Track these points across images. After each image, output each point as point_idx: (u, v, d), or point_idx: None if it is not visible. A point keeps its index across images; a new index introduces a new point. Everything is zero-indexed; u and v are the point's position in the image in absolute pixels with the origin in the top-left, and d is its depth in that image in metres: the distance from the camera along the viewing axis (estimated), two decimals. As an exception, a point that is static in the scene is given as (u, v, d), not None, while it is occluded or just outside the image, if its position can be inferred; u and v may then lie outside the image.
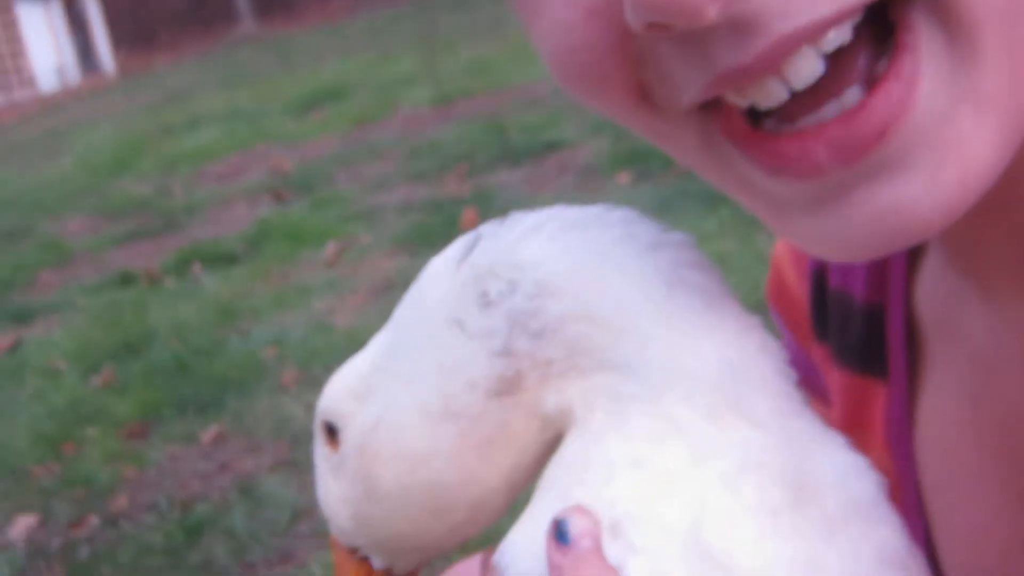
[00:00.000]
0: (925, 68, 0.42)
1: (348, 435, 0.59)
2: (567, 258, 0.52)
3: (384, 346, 0.59)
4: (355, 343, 2.73)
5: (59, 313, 5.27)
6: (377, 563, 0.64)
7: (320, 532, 2.52)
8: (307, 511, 2.65)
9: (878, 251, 0.46)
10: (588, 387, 0.51)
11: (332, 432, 0.60)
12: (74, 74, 32.54)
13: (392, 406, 0.56)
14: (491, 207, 4.93)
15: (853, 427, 0.71)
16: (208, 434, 3.23)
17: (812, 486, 0.48)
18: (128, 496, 2.97)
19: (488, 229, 0.55)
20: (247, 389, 3.50)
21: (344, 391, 0.59)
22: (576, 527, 0.47)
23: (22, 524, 2.95)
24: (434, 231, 4.89)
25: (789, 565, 0.46)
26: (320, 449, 0.62)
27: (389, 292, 4.17)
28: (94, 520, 2.89)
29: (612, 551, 0.47)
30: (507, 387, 0.52)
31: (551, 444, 0.55)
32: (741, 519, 0.47)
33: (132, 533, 2.76)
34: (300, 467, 2.88)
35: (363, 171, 7.05)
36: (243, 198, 7.16)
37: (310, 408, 2.98)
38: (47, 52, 31.86)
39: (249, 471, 2.94)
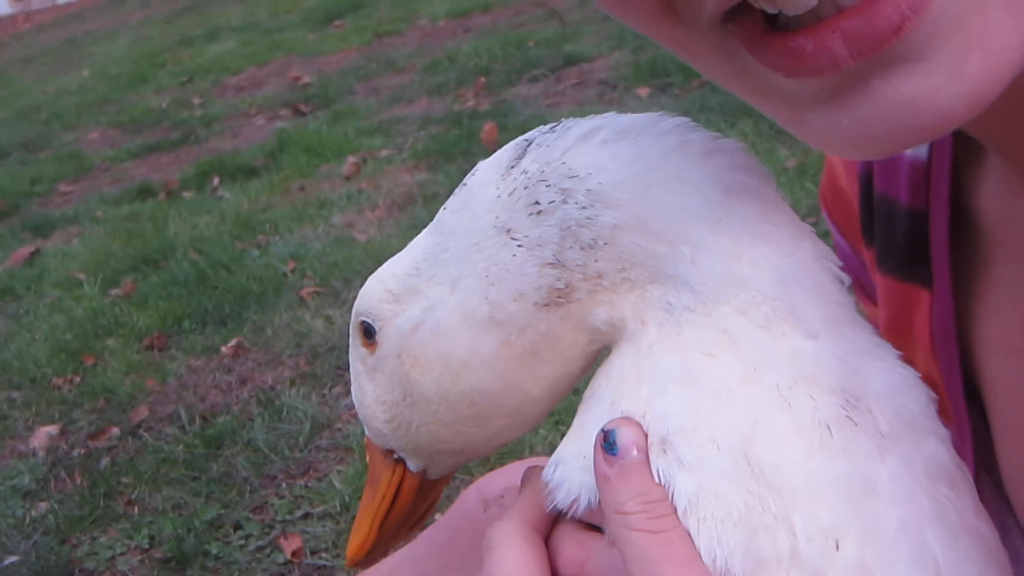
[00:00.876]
0: None
1: (386, 336, 0.58)
2: (621, 167, 0.50)
3: (426, 249, 0.57)
4: (375, 257, 2.73)
5: (78, 225, 5.25)
6: (412, 465, 0.63)
7: (340, 445, 2.53)
8: (327, 424, 2.65)
9: (896, 146, 0.44)
10: (640, 299, 0.50)
11: (369, 332, 0.59)
12: (91, -16, 32.19)
13: (434, 310, 0.55)
14: (510, 121, 4.87)
15: (898, 331, 0.70)
16: (228, 347, 3.23)
17: (864, 400, 0.47)
18: (148, 407, 2.98)
19: (538, 135, 0.53)
20: (267, 302, 3.49)
21: (382, 292, 0.58)
22: (624, 438, 0.47)
23: (43, 434, 2.96)
24: (454, 145, 4.84)
25: (839, 483, 0.45)
26: (356, 350, 0.61)
27: (409, 206, 4.14)
28: (114, 431, 2.90)
29: (661, 465, 0.46)
30: (556, 298, 0.51)
31: (595, 356, 0.54)
32: (792, 435, 0.45)
33: (152, 444, 2.77)
34: (320, 380, 2.88)
35: (381, 84, 6.97)
36: (262, 111, 7.09)
37: (329, 321, 2.98)
38: (63, -39, 31.53)
39: (269, 384, 2.93)
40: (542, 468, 0.56)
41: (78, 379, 3.29)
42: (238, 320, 3.42)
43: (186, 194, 5.30)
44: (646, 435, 0.47)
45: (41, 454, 2.87)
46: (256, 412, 2.79)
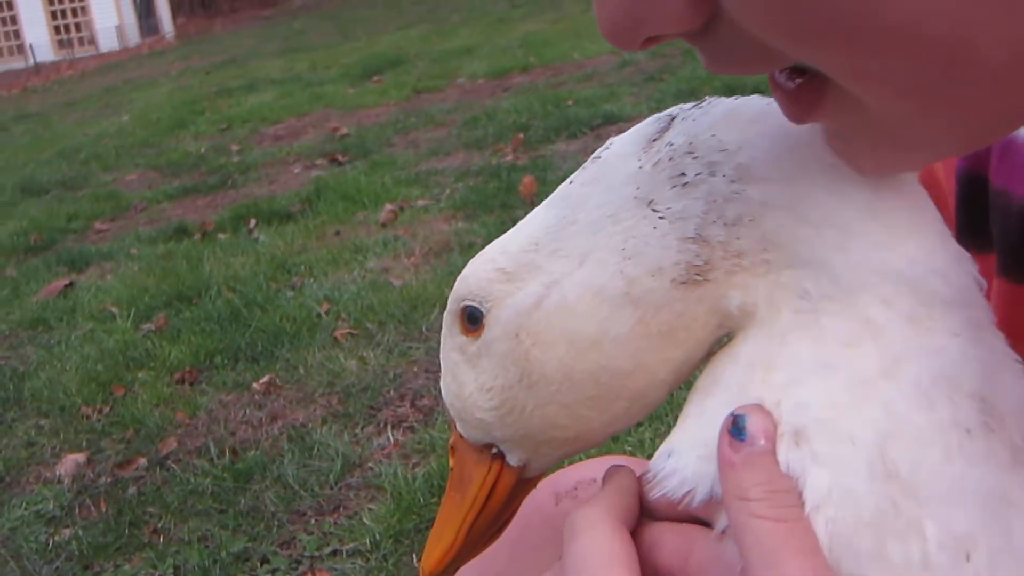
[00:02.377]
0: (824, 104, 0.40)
1: (496, 317, 0.55)
2: (772, 144, 0.48)
3: (547, 223, 0.54)
4: (410, 301, 2.70)
5: (113, 261, 5.27)
6: (513, 459, 0.59)
7: (372, 484, 2.49)
8: (358, 463, 2.61)
9: None
10: (775, 284, 0.47)
11: (473, 318, 0.56)
12: (134, 36, 32.80)
13: (559, 285, 0.52)
14: (549, 175, 4.87)
15: (1010, 338, 0.66)
16: (260, 383, 3.20)
17: (999, 408, 0.44)
18: (177, 439, 2.95)
19: (681, 111, 0.52)
20: (300, 342, 3.47)
21: (493, 271, 0.55)
22: (754, 425, 0.45)
23: (70, 462, 2.93)
24: (492, 197, 4.83)
25: (975, 491, 0.43)
26: (454, 339, 0.58)
27: (446, 253, 4.12)
28: (142, 461, 2.87)
29: (793, 458, 0.44)
30: (694, 276, 0.49)
31: (716, 343, 0.52)
32: (931, 436, 0.43)
33: (180, 476, 2.73)
34: (352, 420, 2.85)
35: (420, 138, 7.01)
36: (299, 159, 7.14)
37: (363, 362, 2.95)
38: (109, 13, 32.15)
39: (300, 421, 2.90)
40: (623, 466, 0.54)
41: (107, 409, 3.27)
42: (271, 358, 3.40)
43: (221, 235, 5.31)
44: (776, 425, 0.45)
45: (67, 481, 2.84)
46: (286, 448, 2.75)
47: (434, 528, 0.63)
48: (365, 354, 3.26)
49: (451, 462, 0.62)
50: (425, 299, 3.60)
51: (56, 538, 2.55)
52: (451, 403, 0.59)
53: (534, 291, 0.53)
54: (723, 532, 0.46)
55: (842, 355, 0.45)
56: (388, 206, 4.99)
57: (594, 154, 0.54)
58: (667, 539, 0.49)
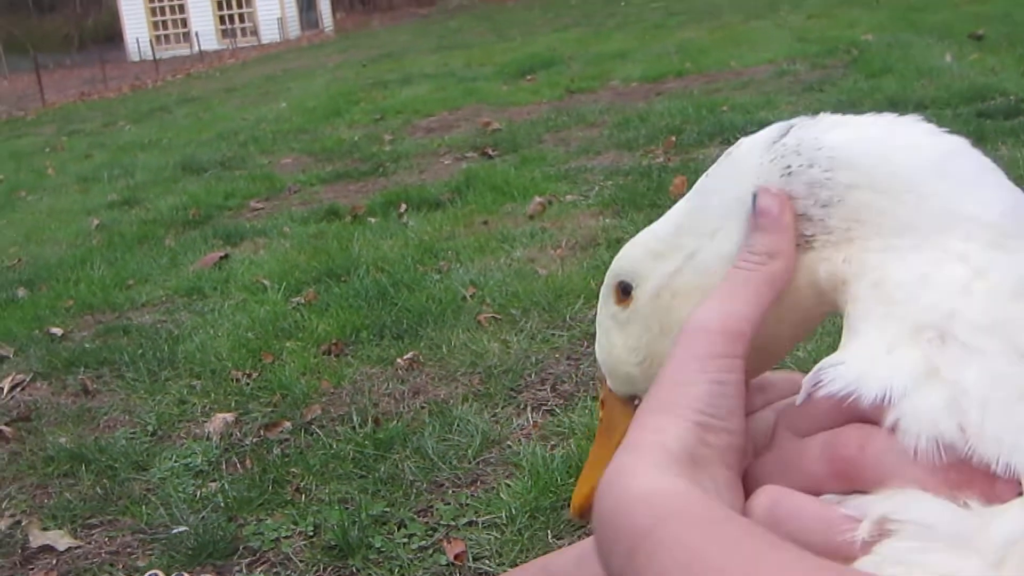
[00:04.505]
0: None
1: (645, 289, 0.64)
2: (861, 142, 0.57)
3: (687, 210, 0.63)
4: (556, 291, 2.69)
5: (266, 237, 5.42)
6: None
7: (510, 461, 2.50)
8: (497, 441, 2.62)
9: None
10: (865, 248, 0.54)
11: (626, 290, 0.66)
12: (294, 28, 33.72)
13: (696, 254, 0.61)
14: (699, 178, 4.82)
15: None
16: (403, 359, 3.25)
17: None
18: (322, 407, 3.01)
19: (800, 120, 0.61)
20: (444, 323, 3.51)
21: (645, 251, 0.65)
22: None
23: (219, 420, 3.02)
24: (641, 196, 4.82)
25: None
26: (608, 308, 0.68)
27: (593, 247, 4.12)
28: (287, 424, 2.94)
29: (947, 357, 0.49)
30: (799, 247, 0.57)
31: (819, 320, 0.60)
32: None
33: (323, 440, 2.79)
34: (493, 399, 2.87)
35: (571, 136, 7.03)
36: (450, 151, 7.23)
37: (506, 345, 2.97)
38: (272, 6, 33.13)
39: (441, 397, 2.93)
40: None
41: (256, 374, 3.35)
42: (415, 336, 3.45)
43: (371, 219, 5.41)
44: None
45: (216, 439, 2.93)
46: (427, 421, 2.78)
47: (583, 471, 0.70)
48: (508, 338, 3.28)
49: (600, 414, 0.70)
50: (570, 289, 3.60)
51: (203, 490, 2.63)
52: (603, 361, 0.68)
53: (676, 261, 0.62)
54: (892, 428, 0.49)
55: (936, 270, 0.51)
56: (537, 199, 5.02)
57: (726, 151, 0.61)
58: (844, 430, 0.52)
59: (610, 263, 0.66)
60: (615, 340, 0.67)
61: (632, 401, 0.68)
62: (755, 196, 0.57)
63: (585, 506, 0.69)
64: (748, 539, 0.48)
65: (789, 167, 0.58)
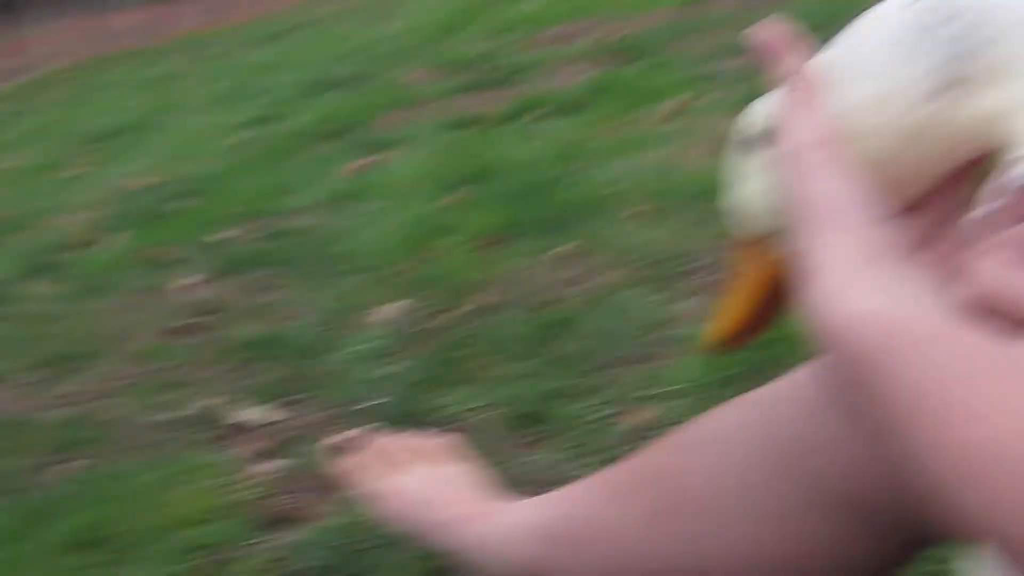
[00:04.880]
0: None
1: (782, 131, 0.67)
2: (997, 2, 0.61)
3: (832, 59, 0.67)
4: (701, 184, 2.76)
5: (408, 145, 5.57)
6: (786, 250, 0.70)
7: (683, 339, 2.62)
8: (665, 322, 2.74)
9: None
10: (1006, 90, 0.60)
11: (768, 136, 0.69)
12: (402, -53, 33.63)
13: (840, 99, 0.65)
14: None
15: None
16: (560, 251, 3.38)
17: None
18: (487, 295, 3.17)
19: None
20: (597, 217, 3.63)
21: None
22: None
23: (393, 308, 3.20)
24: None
25: None
26: (739, 154, 0.73)
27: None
28: (456, 311, 3.10)
29: None
30: (943, 89, 0.61)
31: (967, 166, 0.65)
32: None
33: (490, 326, 2.95)
34: (655, 284, 2.98)
35: (698, 42, 7.00)
36: (575, 61, 7.27)
37: (662, 235, 3.06)
38: (379, -76, 33.07)
39: (606, 283, 3.06)
40: None
41: (420, 267, 3.52)
42: (568, 230, 3.57)
43: (506, 126, 5.53)
44: None
45: (391, 325, 3.11)
46: (591, 306, 2.91)
47: (717, 310, 0.76)
48: (661, 230, 3.39)
49: (731, 257, 0.76)
50: (716, 186, 3.68)
51: (386, 371, 2.81)
52: (738, 207, 0.74)
53: None
54: None
55: None
56: (671, 101, 5.07)
57: (868, 10, 0.66)
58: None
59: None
60: (754, 184, 0.71)
61: (767, 242, 0.72)
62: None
63: (722, 338, 0.77)
64: (978, 348, 0.49)
65: (930, 25, 0.62)
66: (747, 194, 0.72)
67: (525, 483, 2.06)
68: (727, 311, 0.75)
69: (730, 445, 1.21)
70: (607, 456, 2.14)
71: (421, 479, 1.81)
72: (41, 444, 2.80)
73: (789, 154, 0.61)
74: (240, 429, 2.65)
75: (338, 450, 1.86)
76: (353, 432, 1.89)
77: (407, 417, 2.49)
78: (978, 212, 0.63)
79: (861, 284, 0.52)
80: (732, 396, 1.37)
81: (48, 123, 11.19)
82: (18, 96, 16.46)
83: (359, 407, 2.62)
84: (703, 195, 3.59)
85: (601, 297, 2.94)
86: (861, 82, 0.64)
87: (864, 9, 0.66)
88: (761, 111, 0.72)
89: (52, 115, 12.08)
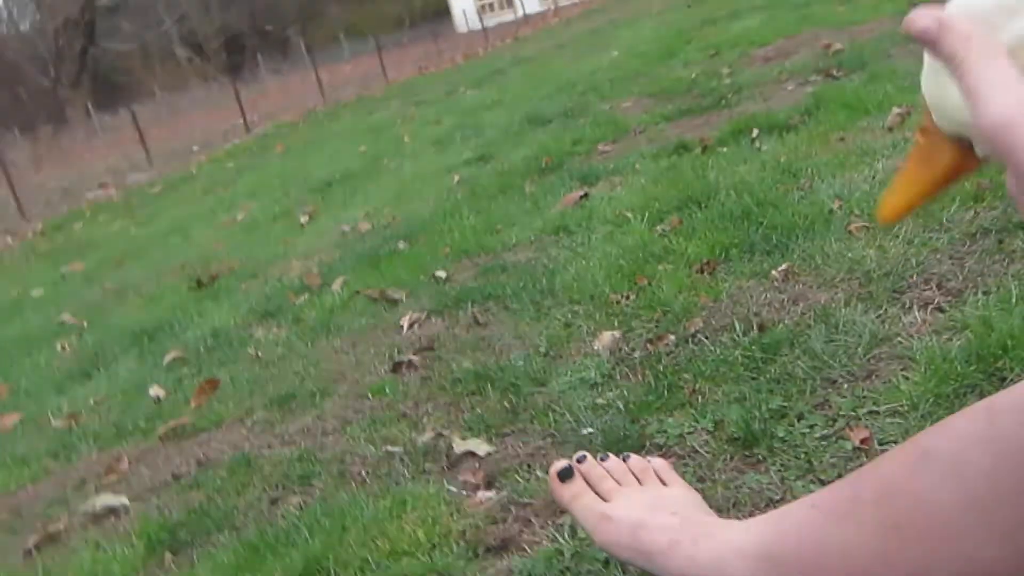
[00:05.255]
0: None
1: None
2: None
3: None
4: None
5: (620, 175, 5.58)
6: (980, 151, 0.76)
7: (903, 356, 2.50)
8: (887, 338, 2.63)
9: None
10: None
11: None
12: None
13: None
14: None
15: None
16: (778, 271, 3.29)
17: None
18: (703, 319, 3.11)
19: None
20: (814, 235, 3.52)
21: (995, 5, 0.70)
22: None
23: (606, 337, 3.19)
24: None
25: None
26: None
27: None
28: (671, 338, 3.06)
29: None
30: None
31: None
32: None
33: (709, 349, 2.89)
34: (876, 301, 2.86)
35: (920, 49, 6.74)
36: (791, 77, 7.13)
37: (882, 250, 2.96)
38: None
39: (821, 303, 2.96)
40: None
41: (633, 296, 3.50)
42: (785, 249, 3.48)
43: (723, 148, 5.46)
44: None
45: (605, 354, 3.09)
46: (811, 324, 2.82)
47: (894, 187, 0.82)
48: (883, 244, 3.26)
49: (919, 139, 0.80)
50: (946, 195, 3.50)
51: (600, 399, 2.80)
52: (933, 96, 0.78)
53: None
54: None
55: None
56: (895, 110, 4.88)
57: None
58: None
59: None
60: (951, 88, 0.71)
61: (959, 139, 0.76)
62: None
63: (892, 218, 0.83)
64: None
65: None
66: (949, 98, 0.74)
67: (744, 505, 2.01)
68: (901, 194, 0.81)
69: (960, 457, 1.15)
70: (828, 477, 2.06)
71: (638, 504, 1.80)
72: (267, 481, 2.92)
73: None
74: (461, 459, 2.69)
75: (557, 477, 1.87)
76: (571, 460, 1.90)
77: (624, 443, 2.47)
78: None
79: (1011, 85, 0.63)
80: (955, 410, 1.30)
81: (272, 176, 11.80)
82: (246, 152, 17.40)
83: (576, 435, 2.61)
84: (929, 206, 3.43)
85: (817, 316, 2.84)
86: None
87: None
88: (986, 7, 0.71)
89: (276, 168, 12.73)
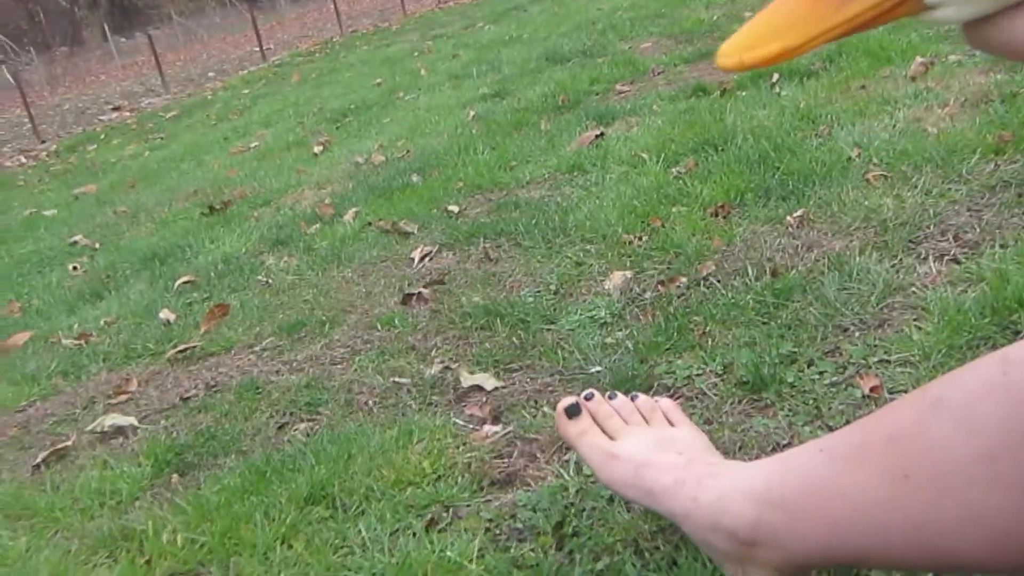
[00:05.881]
0: None
1: None
2: None
3: None
4: (948, 146, 2.62)
5: (637, 116, 5.53)
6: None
7: (917, 305, 2.49)
8: (900, 287, 2.61)
9: None
10: None
11: None
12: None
13: None
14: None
15: None
16: (793, 216, 3.27)
17: None
18: (715, 263, 3.10)
19: None
20: (831, 182, 3.49)
21: None
22: None
23: (617, 277, 3.18)
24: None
25: None
26: None
27: (984, 104, 3.93)
28: (683, 280, 3.05)
29: None
30: None
31: None
32: None
33: (721, 292, 2.88)
34: (891, 250, 2.85)
35: (946, -2, 6.65)
36: (814, 23, 7.03)
37: (900, 199, 2.93)
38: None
39: (836, 250, 2.94)
40: None
41: (646, 237, 3.49)
42: (801, 196, 3.45)
43: (742, 92, 5.40)
44: None
45: (616, 294, 3.09)
46: (825, 271, 2.81)
47: (767, 22, 0.60)
48: (901, 193, 3.23)
49: None
50: (964, 145, 3.47)
51: (610, 339, 2.79)
52: None
53: None
54: None
55: None
56: (918, 59, 4.83)
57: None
58: None
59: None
60: None
61: None
62: None
63: (758, 66, 0.62)
64: None
65: None
66: None
67: (750, 448, 2.02)
68: (781, 38, 0.59)
69: (973, 407, 1.14)
70: (836, 423, 2.06)
71: (643, 443, 1.80)
72: (275, 407, 2.93)
73: None
74: (469, 393, 2.69)
75: (564, 414, 1.87)
76: (579, 397, 1.90)
77: (633, 383, 2.47)
78: None
79: None
80: (968, 361, 1.29)
81: (287, 105, 11.74)
82: (267, 78, 17.31)
83: (585, 373, 2.61)
84: (949, 157, 3.40)
85: (831, 264, 2.82)
86: None
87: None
88: None
89: (291, 97, 12.66)
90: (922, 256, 2.78)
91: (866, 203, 3.21)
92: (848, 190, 3.36)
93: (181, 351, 3.66)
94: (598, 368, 2.61)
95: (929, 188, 3.21)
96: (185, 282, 4.69)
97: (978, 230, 2.84)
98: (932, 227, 2.94)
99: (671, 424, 1.88)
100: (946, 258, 2.74)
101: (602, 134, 5.25)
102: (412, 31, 18.05)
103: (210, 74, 23.37)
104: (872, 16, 0.62)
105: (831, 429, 2.03)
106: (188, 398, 3.23)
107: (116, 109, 20.17)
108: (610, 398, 1.92)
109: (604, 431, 1.85)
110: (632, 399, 1.92)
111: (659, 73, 6.77)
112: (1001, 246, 2.68)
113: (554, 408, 2.02)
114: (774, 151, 3.96)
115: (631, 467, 1.73)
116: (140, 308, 4.47)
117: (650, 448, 1.76)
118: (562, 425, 1.87)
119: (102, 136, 16.10)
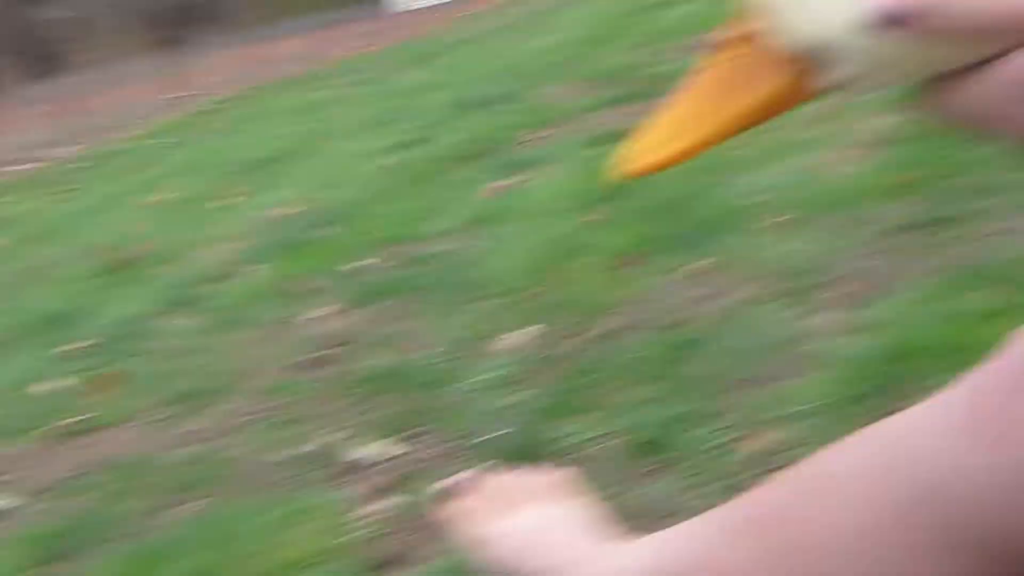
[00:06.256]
0: None
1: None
2: None
3: None
4: (853, 190, 2.57)
5: (546, 165, 5.49)
6: (836, 74, 0.52)
7: (816, 355, 2.44)
8: (797, 338, 2.58)
9: None
10: None
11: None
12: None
13: None
14: None
15: None
16: (695, 267, 3.23)
17: None
18: (621, 315, 3.04)
19: None
20: (735, 230, 3.46)
21: None
22: None
23: (520, 334, 3.10)
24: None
25: None
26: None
27: (887, 145, 3.94)
28: (588, 334, 2.98)
29: None
30: None
31: None
32: None
33: (619, 349, 2.82)
34: (791, 298, 2.81)
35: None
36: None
37: (804, 244, 2.89)
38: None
39: (740, 299, 2.90)
40: None
41: (552, 290, 3.42)
42: (707, 245, 3.42)
43: (651, 138, 5.38)
44: None
45: (518, 352, 3.01)
46: (727, 323, 2.76)
47: (662, 125, 0.56)
48: (804, 240, 3.20)
49: (725, 56, 0.55)
50: (868, 187, 3.47)
51: (511, 399, 2.72)
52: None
53: None
54: None
55: None
56: (817, 104, 4.84)
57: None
58: None
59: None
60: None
61: (797, 60, 0.51)
62: None
63: (653, 171, 0.54)
64: None
65: None
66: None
67: (644, 515, 1.94)
68: (677, 137, 0.54)
69: (855, 482, 1.07)
70: (729, 483, 1.99)
71: (531, 521, 1.70)
72: (160, 486, 2.80)
73: None
74: (357, 466, 2.60)
75: (448, 492, 1.77)
76: (464, 473, 1.80)
77: (527, 449, 2.40)
78: None
79: None
80: (862, 415, 1.22)
81: (203, 154, 11.58)
82: (180, 128, 17.10)
83: (479, 440, 2.53)
84: (846, 203, 3.39)
85: (733, 314, 2.78)
86: None
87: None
88: None
89: (208, 145, 12.49)
90: (824, 304, 2.74)
91: (770, 251, 3.18)
92: (751, 239, 3.33)
93: (67, 425, 3.49)
94: (494, 434, 2.53)
95: (833, 233, 3.19)
96: (77, 348, 4.51)
97: (881, 273, 2.82)
98: (835, 272, 2.91)
99: (561, 499, 1.79)
100: (847, 305, 2.70)
101: (513, 184, 5.19)
102: (332, 77, 17.99)
103: (127, 122, 23.05)
104: (766, 107, 0.54)
105: (725, 492, 1.96)
106: (73, 477, 3.08)
107: (24, 160, 19.79)
108: (499, 473, 1.83)
109: (492, 510, 1.76)
110: (520, 474, 1.83)
111: (574, 119, 6.75)
112: (902, 291, 2.65)
113: (439, 487, 1.92)
114: (681, 200, 3.92)
115: (519, 548, 1.64)
116: (22, 381, 4.26)
117: (540, 526, 1.67)
118: (440, 507, 1.77)
119: (9, 188, 15.78)
